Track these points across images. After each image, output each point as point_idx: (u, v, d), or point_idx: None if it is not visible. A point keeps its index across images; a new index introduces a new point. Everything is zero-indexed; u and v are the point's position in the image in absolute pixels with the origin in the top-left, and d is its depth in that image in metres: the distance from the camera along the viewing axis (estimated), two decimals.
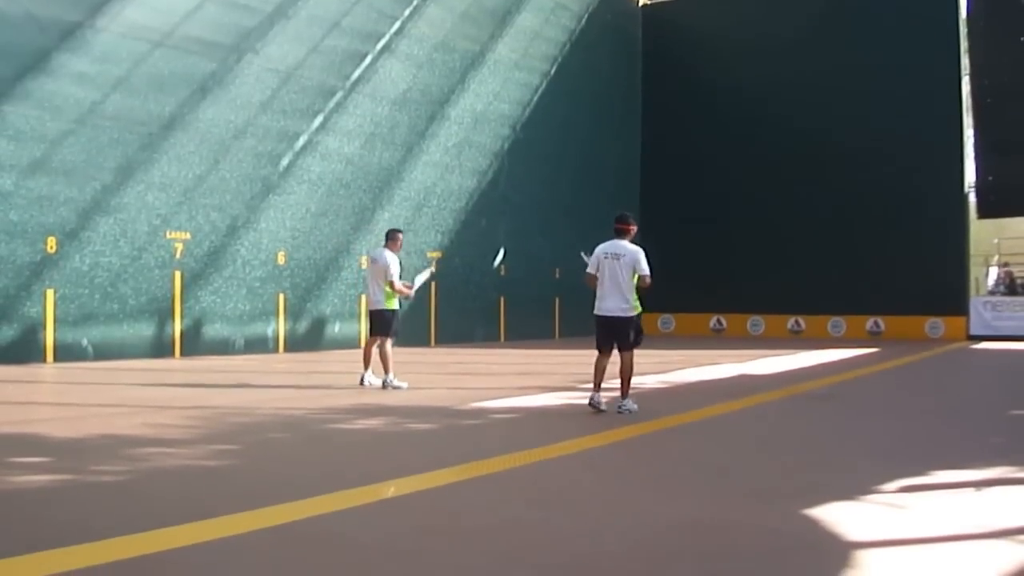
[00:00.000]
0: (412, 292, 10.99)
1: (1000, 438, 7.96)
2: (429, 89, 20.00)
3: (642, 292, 8.81)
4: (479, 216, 21.12)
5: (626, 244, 8.72)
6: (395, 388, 10.36)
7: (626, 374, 8.66)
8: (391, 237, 10.92)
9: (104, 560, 3.86)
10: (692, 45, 26.52)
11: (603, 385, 8.78)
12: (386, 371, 10.45)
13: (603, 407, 8.61)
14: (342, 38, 18.08)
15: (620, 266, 8.57)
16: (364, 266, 11.26)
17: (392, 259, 10.57)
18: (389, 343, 10.56)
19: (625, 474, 6.20)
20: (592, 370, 8.85)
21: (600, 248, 8.81)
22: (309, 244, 17.39)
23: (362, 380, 10.62)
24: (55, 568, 3.70)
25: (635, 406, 8.66)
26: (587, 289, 8.95)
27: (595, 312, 8.79)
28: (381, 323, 10.64)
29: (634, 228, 8.85)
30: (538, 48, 23.13)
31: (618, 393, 8.75)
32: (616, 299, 8.61)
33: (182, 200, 15.35)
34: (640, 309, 8.73)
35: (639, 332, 8.81)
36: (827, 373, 14.15)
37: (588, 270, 8.83)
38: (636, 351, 8.81)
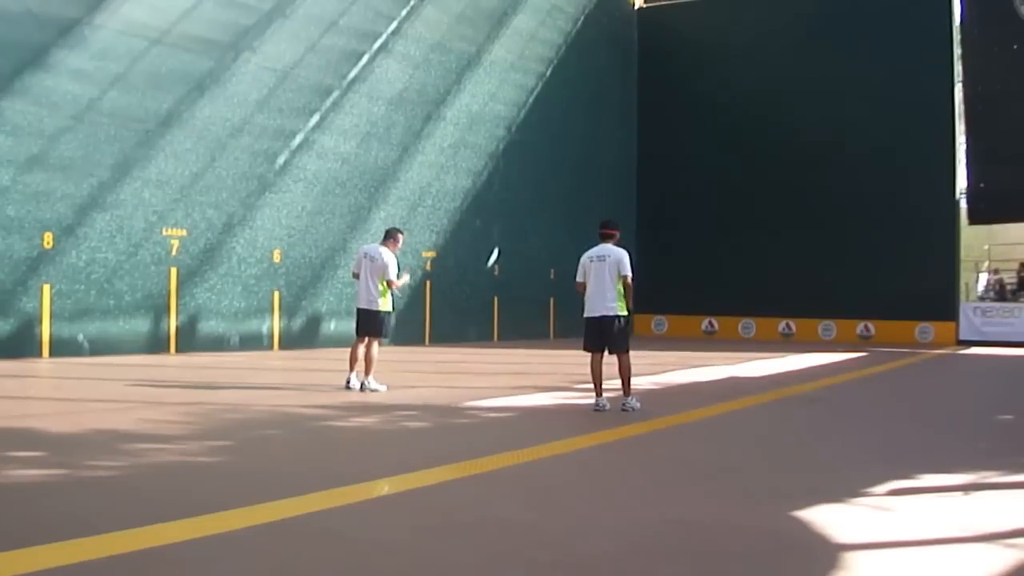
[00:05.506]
0: (401, 283, 10.63)
1: (988, 442, 8.04)
2: (425, 89, 20.04)
3: (629, 294, 8.97)
4: (474, 216, 21.16)
5: (611, 247, 9.00)
6: (372, 391, 10.08)
7: (625, 374, 8.89)
8: (391, 236, 10.61)
9: (100, 555, 3.89)
10: (687, 49, 26.57)
11: (603, 386, 8.95)
12: (367, 372, 10.21)
13: (607, 407, 8.79)
14: (339, 37, 18.10)
15: (605, 267, 8.85)
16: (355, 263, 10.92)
17: (392, 259, 10.33)
18: (376, 345, 10.39)
19: (618, 474, 6.25)
20: (590, 375, 9.03)
21: (586, 254, 9.08)
22: (305, 242, 17.41)
23: (348, 383, 10.27)
24: (51, 563, 3.72)
25: (638, 404, 8.88)
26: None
27: (585, 315, 9.03)
28: (374, 323, 10.36)
29: (617, 233, 9.19)
30: (534, 50, 23.16)
31: (618, 393, 8.95)
32: (602, 299, 8.84)
33: (178, 197, 15.37)
34: (626, 312, 8.90)
35: (627, 335, 9.00)
36: (817, 376, 14.22)
37: (577, 278, 9.07)
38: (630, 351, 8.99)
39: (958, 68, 23.44)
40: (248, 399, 9.58)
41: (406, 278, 10.94)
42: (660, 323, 26.14)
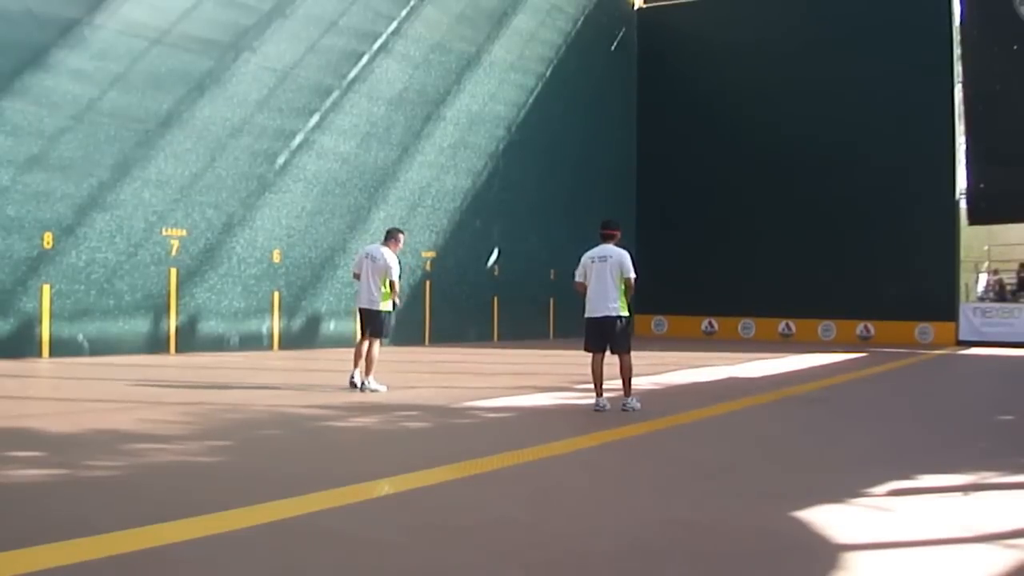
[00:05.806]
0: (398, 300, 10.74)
1: (987, 442, 8.04)
2: (425, 89, 20.04)
3: (630, 295, 8.99)
4: (474, 216, 21.16)
5: (612, 247, 9.01)
6: (372, 391, 10.11)
7: (626, 375, 8.90)
8: (392, 237, 10.65)
9: (100, 555, 3.90)
10: (687, 49, 26.57)
11: (604, 386, 8.96)
12: (367, 372, 10.24)
13: (608, 408, 8.79)
14: (339, 38, 18.10)
15: (607, 268, 8.85)
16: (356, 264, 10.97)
17: (393, 259, 10.37)
18: (377, 344, 10.41)
19: (617, 474, 6.25)
20: (590, 375, 9.05)
21: (587, 254, 9.09)
22: (304, 242, 17.41)
23: (351, 379, 10.33)
24: (51, 563, 3.73)
25: (638, 404, 8.90)
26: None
27: (586, 315, 9.03)
28: (376, 323, 10.40)
29: (619, 233, 9.20)
30: (534, 50, 23.16)
31: (618, 393, 8.97)
32: (604, 300, 8.84)
33: (178, 197, 15.37)
34: (628, 312, 8.92)
35: (628, 335, 9.02)
36: (817, 377, 14.22)
37: (576, 278, 9.08)
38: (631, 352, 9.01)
39: (958, 68, 23.43)
40: (248, 399, 9.58)
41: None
42: (660, 323, 26.14)
